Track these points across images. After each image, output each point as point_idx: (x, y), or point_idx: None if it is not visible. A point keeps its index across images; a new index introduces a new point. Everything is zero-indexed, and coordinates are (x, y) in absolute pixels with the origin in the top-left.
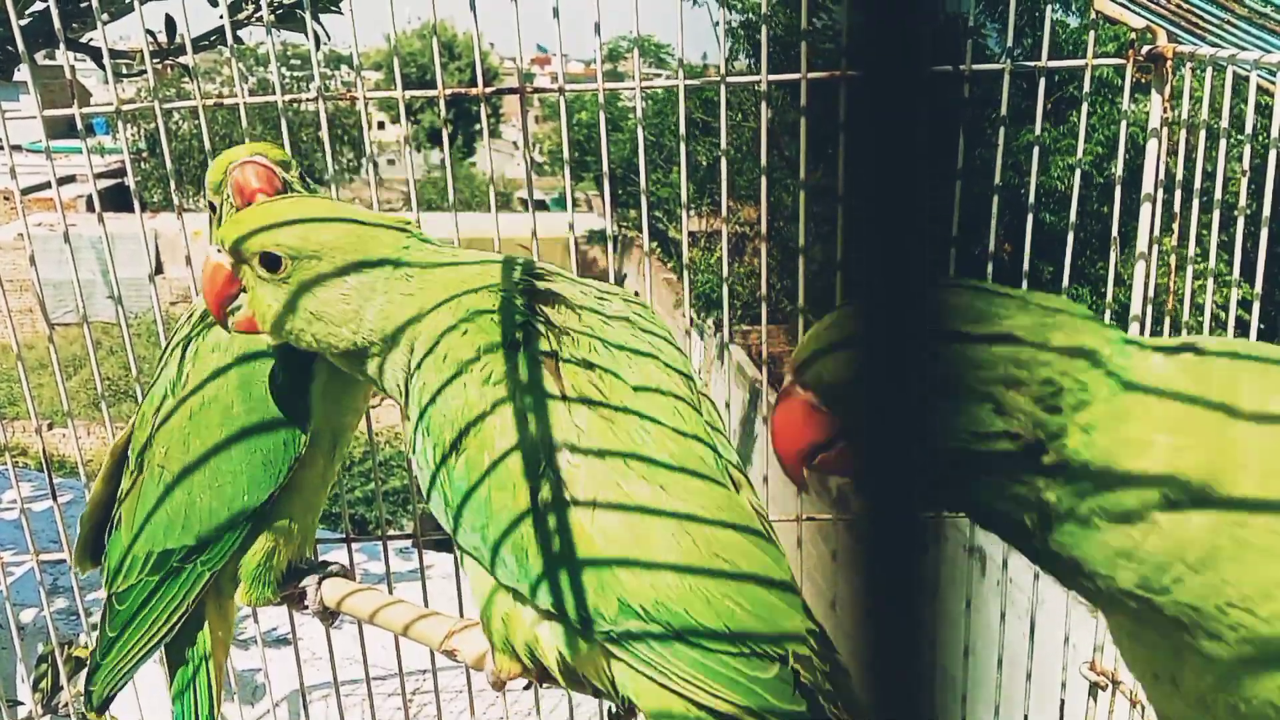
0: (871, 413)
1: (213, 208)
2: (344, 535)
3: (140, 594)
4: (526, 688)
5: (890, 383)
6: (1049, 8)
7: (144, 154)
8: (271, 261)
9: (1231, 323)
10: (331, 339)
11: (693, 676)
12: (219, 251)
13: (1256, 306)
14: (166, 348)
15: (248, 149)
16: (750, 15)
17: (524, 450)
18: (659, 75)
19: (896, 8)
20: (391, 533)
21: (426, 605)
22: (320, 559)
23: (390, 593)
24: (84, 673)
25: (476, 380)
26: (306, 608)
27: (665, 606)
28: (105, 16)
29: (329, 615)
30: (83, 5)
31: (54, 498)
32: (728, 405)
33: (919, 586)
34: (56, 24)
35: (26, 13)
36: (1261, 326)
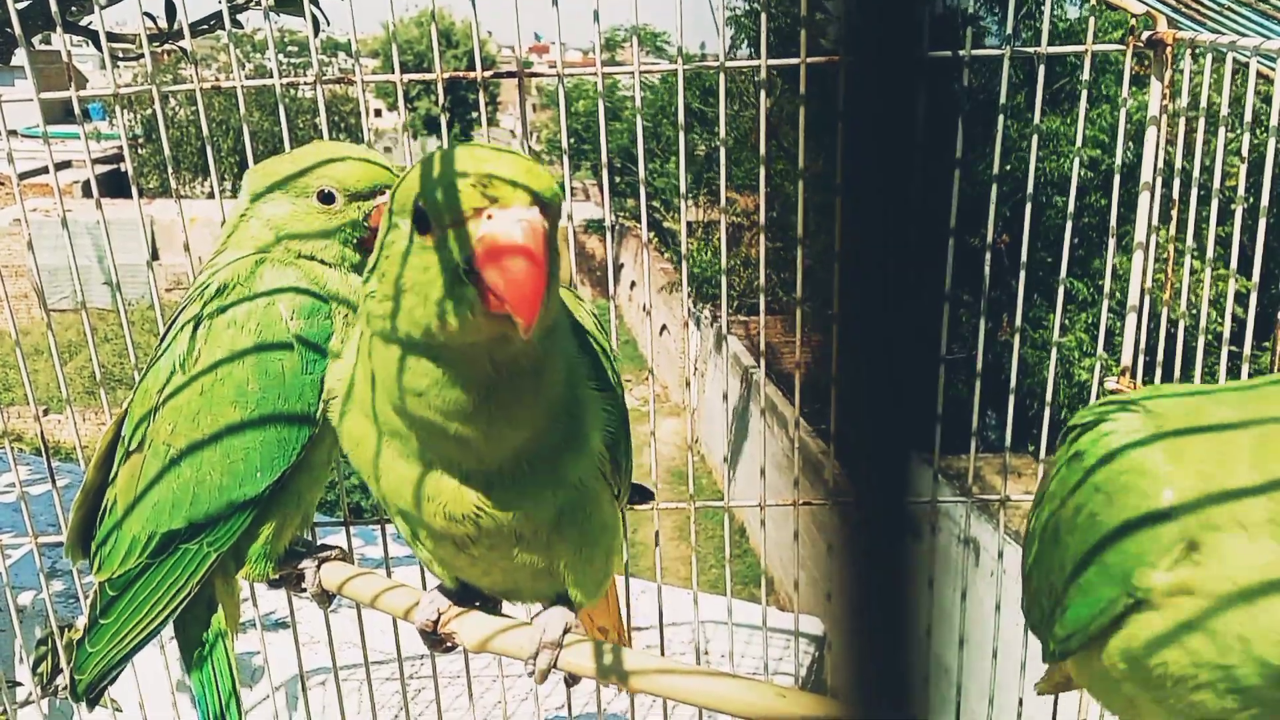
0: (867, 407)
1: (329, 198)
2: (342, 519)
3: (140, 578)
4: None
5: (884, 377)
6: None
7: (141, 140)
8: (557, 215)
9: (1228, 316)
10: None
11: None
12: (539, 213)
13: (1254, 300)
14: (170, 326)
15: (384, 175)
16: (752, 3)
17: None
18: (657, 63)
19: None
20: (389, 517)
21: (424, 588)
22: (319, 543)
23: (389, 577)
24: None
25: None
26: (304, 590)
27: None
28: (103, 1)
29: (326, 598)
30: None
31: (52, 481)
32: (725, 397)
33: (911, 574)
34: (54, 7)
35: None
36: (1257, 320)
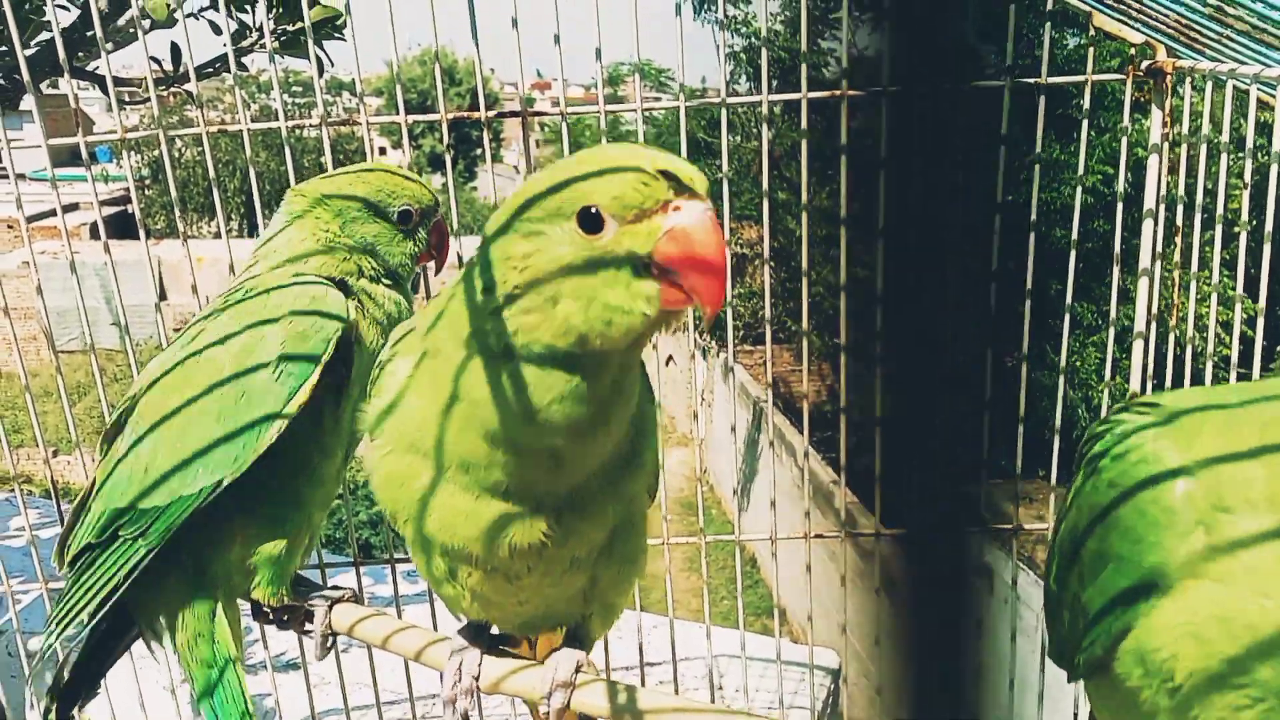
0: (915, 440)
1: (407, 216)
2: (352, 560)
3: (82, 561)
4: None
5: (931, 409)
6: (1048, 25)
7: (148, 180)
8: None
9: (1235, 339)
10: None
11: None
12: (708, 199)
13: (1260, 324)
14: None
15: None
16: (751, 39)
17: None
18: (660, 99)
19: (933, 27)
20: (399, 556)
21: (435, 628)
22: (330, 584)
23: (399, 616)
24: (91, 702)
25: None
26: (309, 630)
27: None
28: (110, 46)
29: (327, 643)
30: (88, 35)
31: (62, 525)
32: (733, 429)
33: (968, 614)
34: (61, 55)
35: (32, 43)
36: (1265, 343)
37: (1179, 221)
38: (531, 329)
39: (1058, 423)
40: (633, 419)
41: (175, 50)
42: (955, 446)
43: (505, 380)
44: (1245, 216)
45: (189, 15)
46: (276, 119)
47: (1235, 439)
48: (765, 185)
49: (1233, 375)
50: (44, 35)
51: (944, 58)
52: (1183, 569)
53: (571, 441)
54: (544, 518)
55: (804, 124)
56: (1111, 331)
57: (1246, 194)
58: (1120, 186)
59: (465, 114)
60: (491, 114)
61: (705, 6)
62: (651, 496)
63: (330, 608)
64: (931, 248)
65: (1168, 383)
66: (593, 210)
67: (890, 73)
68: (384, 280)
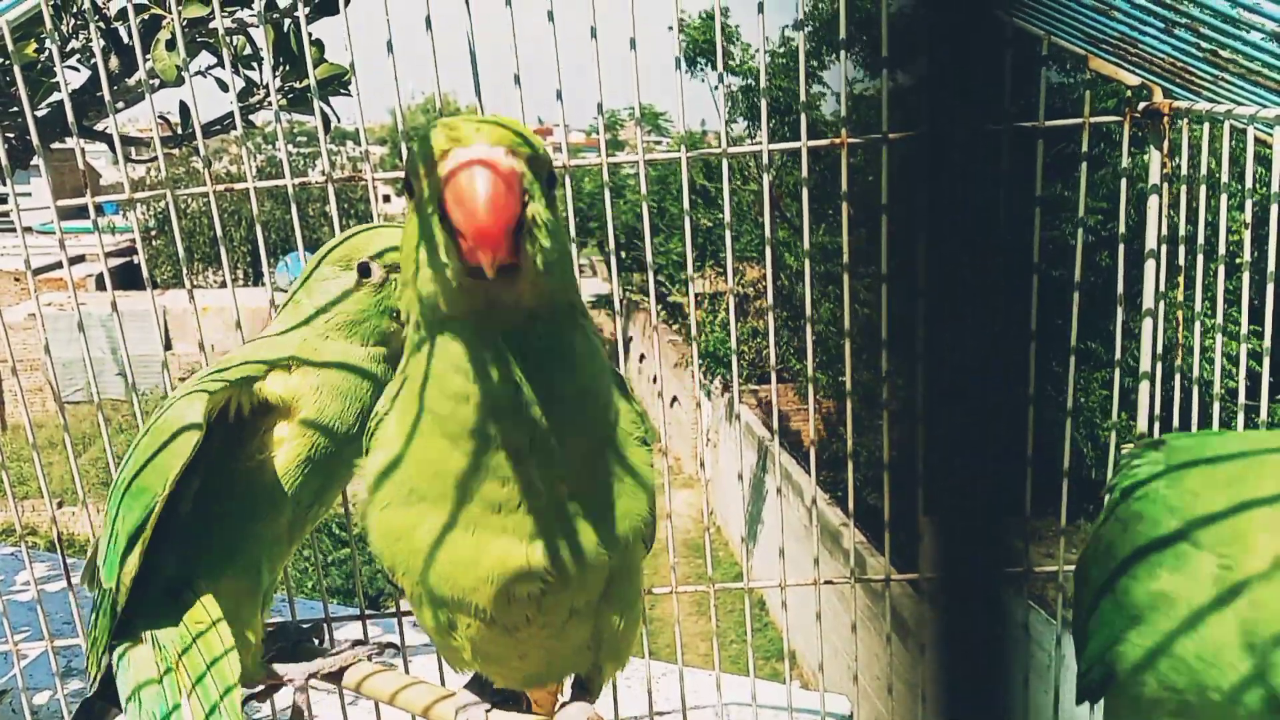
0: (955, 483)
1: (366, 272)
2: (359, 611)
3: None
4: None
5: (971, 449)
6: (1044, 69)
7: (154, 231)
8: (553, 180)
9: (1242, 375)
10: (571, 277)
11: None
12: (507, 153)
13: (1267, 363)
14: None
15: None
16: (750, 81)
17: None
18: (659, 143)
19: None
20: (406, 606)
21: (443, 682)
22: (334, 643)
23: (407, 671)
24: None
25: None
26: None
27: None
28: (120, 104)
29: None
30: (97, 95)
31: (68, 580)
32: (740, 476)
33: (1006, 657)
34: (70, 118)
35: (43, 104)
36: (1272, 380)
37: (1181, 259)
38: (409, 308)
39: (1066, 465)
40: (617, 444)
41: (184, 110)
42: (985, 488)
43: (431, 370)
44: (1247, 255)
45: (196, 74)
46: (282, 171)
47: (1224, 478)
48: (768, 232)
49: (1240, 415)
50: (54, 96)
51: (971, 101)
52: (1152, 597)
53: (505, 422)
54: (540, 560)
55: (804, 171)
56: (1118, 372)
57: (1248, 234)
58: (1121, 228)
59: None
60: None
61: (702, 64)
62: (648, 545)
63: (308, 678)
64: (939, 288)
65: (1175, 420)
66: (406, 174)
67: (925, 114)
68: (354, 339)
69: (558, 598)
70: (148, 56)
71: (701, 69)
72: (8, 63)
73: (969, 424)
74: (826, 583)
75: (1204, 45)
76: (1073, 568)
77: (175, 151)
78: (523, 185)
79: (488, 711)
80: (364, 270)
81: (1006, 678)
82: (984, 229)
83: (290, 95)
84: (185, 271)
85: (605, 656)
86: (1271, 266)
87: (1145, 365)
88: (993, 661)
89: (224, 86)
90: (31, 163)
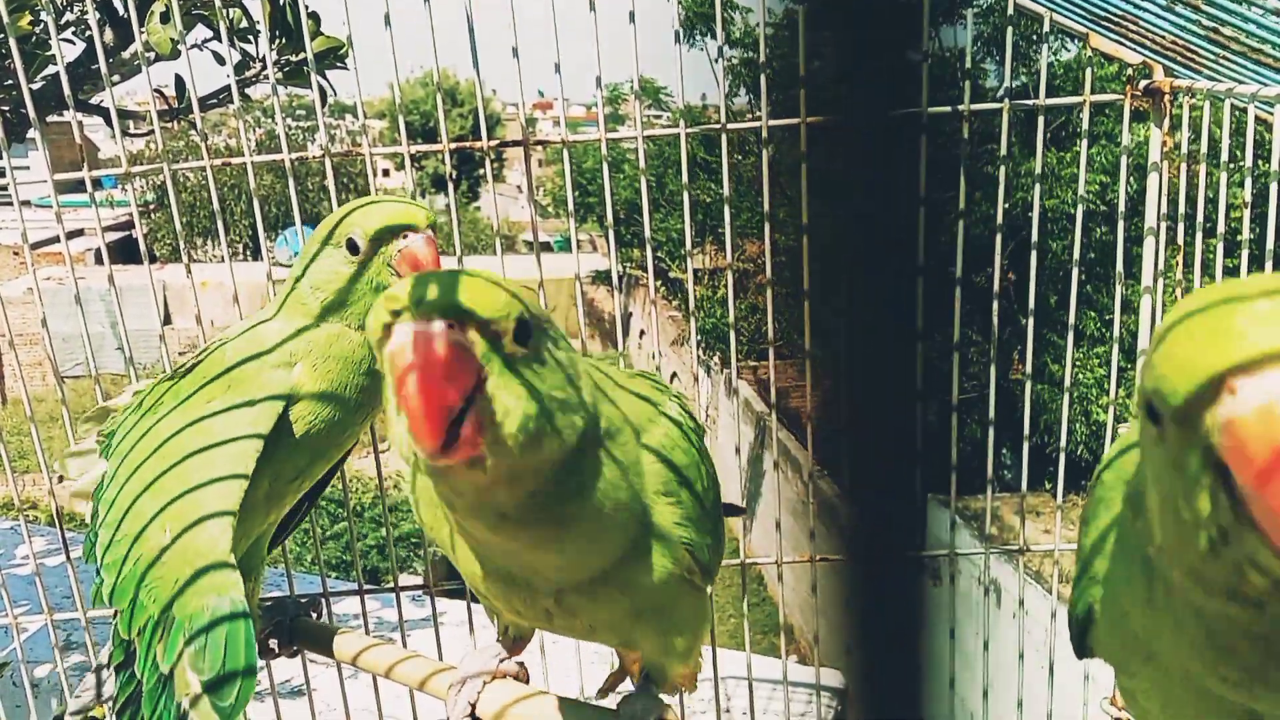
0: (866, 459)
1: (354, 248)
2: (357, 587)
3: None
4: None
5: (882, 425)
6: (1045, 47)
7: (152, 205)
8: (525, 332)
9: None
10: (569, 432)
11: None
12: (449, 327)
13: None
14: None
15: (407, 214)
16: (750, 53)
17: None
18: (659, 117)
19: (883, 52)
20: (404, 582)
21: (440, 653)
22: (333, 622)
23: (404, 643)
24: None
25: None
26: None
27: None
28: (116, 77)
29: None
30: (93, 68)
31: (66, 554)
32: (738, 450)
33: (914, 623)
34: (66, 90)
35: (38, 77)
36: None
37: (1180, 238)
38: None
39: (1064, 442)
40: (633, 518)
41: (180, 84)
42: (901, 464)
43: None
44: (1246, 234)
45: (192, 47)
46: (280, 145)
47: None
48: (766, 207)
49: None
50: (50, 69)
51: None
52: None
53: (506, 560)
54: (544, 598)
55: (803, 147)
56: (1115, 347)
57: (1247, 212)
58: (1121, 205)
59: (467, 145)
60: (493, 144)
61: (701, 34)
62: (708, 575)
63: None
64: (906, 262)
65: None
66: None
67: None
68: (349, 321)
69: (570, 621)
70: (143, 29)
71: (701, 38)
72: (3, 35)
73: (869, 410)
74: (822, 559)
75: (1205, 23)
76: (1070, 545)
77: (172, 125)
78: (471, 361)
79: (485, 683)
80: (352, 246)
81: (912, 652)
82: (885, 221)
83: (287, 69)
84: (184, 246)
85: (659, 655)
86: (1270, 244)
87: (1144, 344)
88: (894, 637)
89: (220, 60)
90: (28, 135)
